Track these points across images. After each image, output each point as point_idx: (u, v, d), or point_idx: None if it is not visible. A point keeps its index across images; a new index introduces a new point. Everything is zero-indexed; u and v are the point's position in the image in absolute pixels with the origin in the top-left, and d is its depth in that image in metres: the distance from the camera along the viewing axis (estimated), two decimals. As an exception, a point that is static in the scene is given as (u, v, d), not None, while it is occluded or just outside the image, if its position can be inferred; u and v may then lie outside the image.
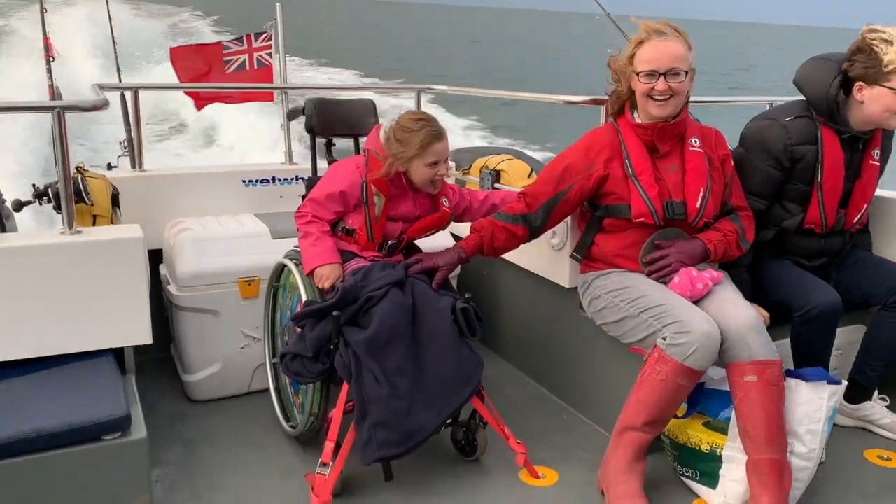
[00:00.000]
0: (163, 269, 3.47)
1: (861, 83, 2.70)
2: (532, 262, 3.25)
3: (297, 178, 3.83)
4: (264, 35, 4.44)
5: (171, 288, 3.24)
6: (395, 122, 2.71)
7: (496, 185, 3.61)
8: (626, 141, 2.70)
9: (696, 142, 2.73)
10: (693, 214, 2.64)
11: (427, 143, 2.65)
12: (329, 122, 2.98)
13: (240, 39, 4.52)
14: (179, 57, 4.53)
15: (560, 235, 3.05)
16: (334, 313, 2.49)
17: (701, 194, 2.65)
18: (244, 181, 3.75)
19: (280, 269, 3.04)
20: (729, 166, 2.79)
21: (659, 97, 2.59)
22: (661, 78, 2.56)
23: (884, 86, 2.65)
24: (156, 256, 3.55)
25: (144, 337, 2.45)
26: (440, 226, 2.87)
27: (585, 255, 2.85)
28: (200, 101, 4.58)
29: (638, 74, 2.62)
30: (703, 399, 2.59)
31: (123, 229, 2.49)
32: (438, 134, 2.67)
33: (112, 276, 2.38)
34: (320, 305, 2.53)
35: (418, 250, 2.92)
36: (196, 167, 4.04)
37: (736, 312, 2.44)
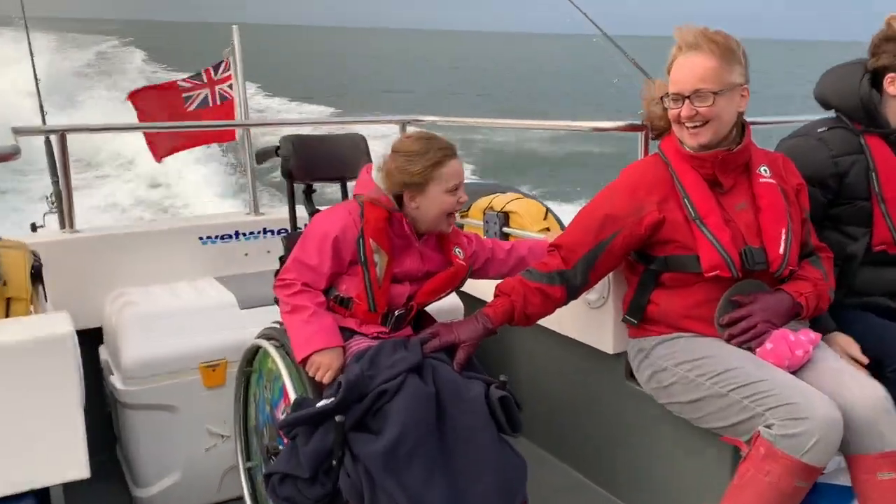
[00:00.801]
0: (103, 354, 2.79)
1: (893, 74, 2.35)
2: (562, 321, 2.67)
3: (265, 232, 3.21)
4: (223, 64, 3.81)
5: (115, 380, 2.58)
6: (391, 150, 2.17)
7: (504, 229, 3.04)
8: (681, 175, 2.18)
9: (765, 171, 2.22)
10: (776, 262, 2.11)
11: (442, 160, 2.12)
12: (310, 163, 2.37)
13: (197, 76, 3.88)
14: (140, 99, 3.87)
15: (599, 290, 2.49)
16: (337, 418, 1.87)
17: (783, 236, 2.13)
18: (201, 238, 3.11)
19: (254, 352, 2.41)
20: (804, 198, 2.28)
21: (689, 124, 2.10)
22: (686, 102, 2.08)
23: None
24: (95, 336, 2.88)
25: (79, 470, 1.78)
26: (454, 284, 2.29)
27: (640, 318, 2.29)
28: (158, 150, 3.90)
29: (663, 98, 2.17)
30: (813, 497, 2.02)
31: (46, 322, 1.83)
32: (451, 149, 2.16)
33: (32, 389, 1.72)
34: (318, 409, 1.91)
35: (430, 319, 2.34)
36: (141, 224, 3.38)
37: (859, 389, 1.91)
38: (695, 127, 2.10)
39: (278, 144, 2.41)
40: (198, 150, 13.42)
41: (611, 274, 2.41)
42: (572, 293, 2.24)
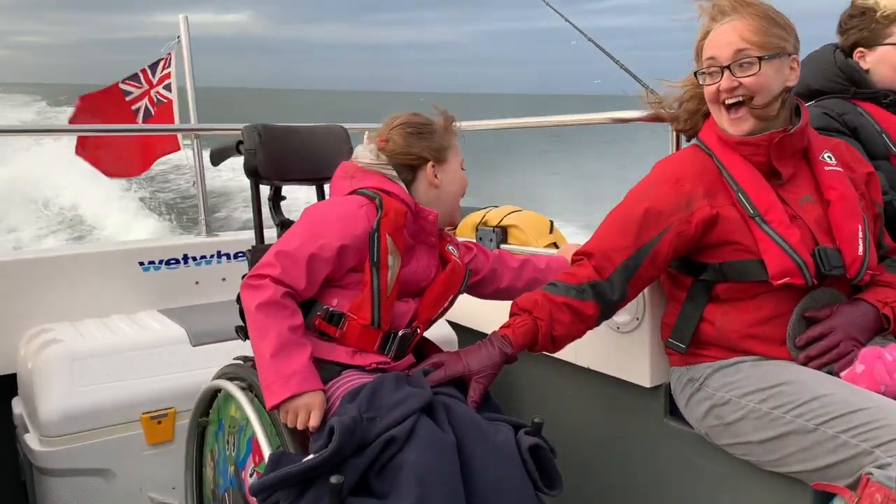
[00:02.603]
0: (17, 407, 2.25)
1: (861, 49, 2.31)
2: (581, 350, 2.25)
3: (219, 256, 2.73)
4: (162, 62, 3.31)
5: (31, 439, 2.05)
6: (387, 130, 1.81)
7: (503, 247, 2.62)
8: (729, 166, 1.82)
9: (829, 157, 1.88)
10: (855, 266, 1.76)
11: (452, 124, 1.86)
12: (282, 159, 1.92)
13: (134, 77, 3.35)
14: (85, 110, 3.31)
15: (630, 311, 2.08)
16: (333, 479, 1.40)
17: (860, 235, 1.78)
18: (142, 263, 2.60)
19: (212, 397, 1.92)
20: (876, 190, 1.95)
21: (730, 100, 1.76)
22: (725, 72, 1.75)
23: (885, 44, 2.28)
24: (7, 386, 2.33)
25: None
26: (456, 287, 1.86)
27: (689, 341, 1.89)
28: (108, 168, 3.34)
29: (696, 74, 1.83)
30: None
31: None
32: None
33: None
34: (306, 464, 1.43)
35: (432, 347, 1.90)
36: (67, 247, 2.85)
37: None
38: (737, 105, 1.76)
39: (239, 139, 1.95)
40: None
41: (645, 290, 2.01)
42: (607, 311, 1.84)
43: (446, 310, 1.87)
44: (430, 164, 1.78)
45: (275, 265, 1.61)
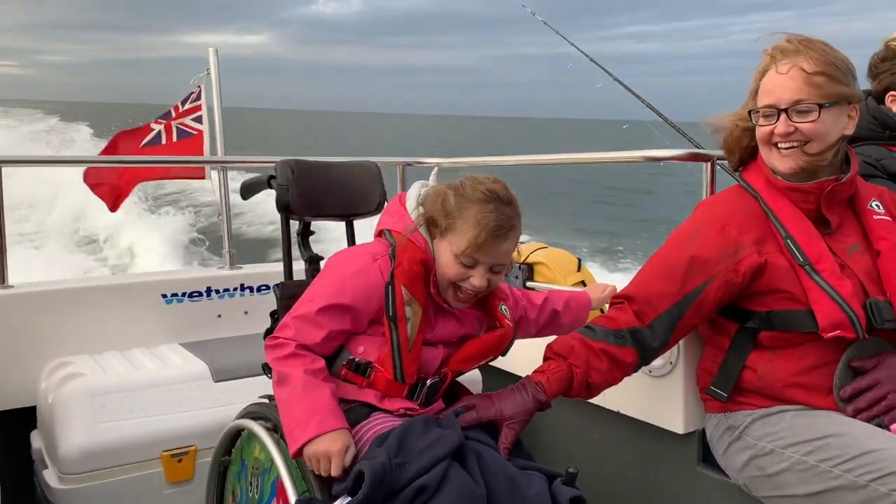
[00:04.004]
0: (36, 442, 2.21)
1: (894, 93, 2.27)
2: (611, 393, 2.18)
3: (242, 289, 2.69)
4: (191, 95, 3.30)
5: (49, 475, 2.01)
6: (454, 183, 1.67)
7: (528, 284, 2.57)
8: (777, 211, 1.77)
9: (878, 206, 1.83)
10: None
11: (482, 230, 1.58)
12: (315, 195, 1.89)
13: (166, 115, 3.35)
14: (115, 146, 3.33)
15: (665, 355, 2.02)
16: (362, 529, 1.34)
17: None
18: (164, 295, 2.58)
19: (234, 436, 1.87)
20: None
21: (783, 144, 1.71)
22: (782, 116, 1.70)
23: None
24: (26, 419, 2.30)
25: None
26: (499, 351, 1.79)
27: (731, 388, 1.83)
28: (106, 196, 3.31)
29: (751, 114, 1.78)
30: None
31: None
32: (504, 227, 1.60)
33: None
34: None
35: (462, 390, 1.84)
36: (89, 279, 2.84)
37: None
38: (790, 147, 1.71)
39: (272, 174, 1.92)
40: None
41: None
42: (646, 358, 1.79)
43: (480, 366, 1.82)
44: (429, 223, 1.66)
45: (290, 327, 1.60)
